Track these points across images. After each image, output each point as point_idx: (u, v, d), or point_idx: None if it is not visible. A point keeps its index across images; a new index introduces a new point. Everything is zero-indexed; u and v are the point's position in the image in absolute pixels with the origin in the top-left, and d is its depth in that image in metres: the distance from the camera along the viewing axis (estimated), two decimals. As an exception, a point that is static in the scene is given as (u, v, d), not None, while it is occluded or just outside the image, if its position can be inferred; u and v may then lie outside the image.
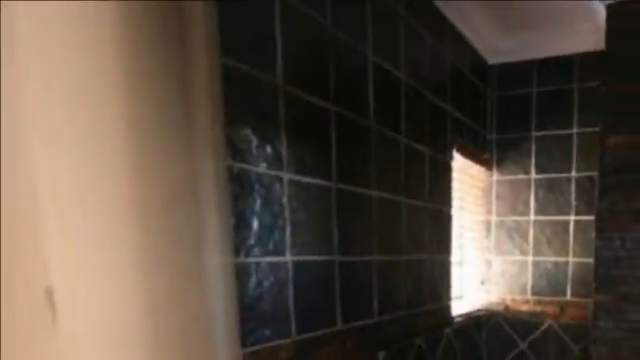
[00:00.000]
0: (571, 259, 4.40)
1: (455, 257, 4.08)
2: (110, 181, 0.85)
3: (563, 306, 4.46)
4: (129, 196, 0.89)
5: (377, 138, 2.83)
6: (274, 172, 2.09)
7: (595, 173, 3.88)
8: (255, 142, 1.99)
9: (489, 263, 4.68)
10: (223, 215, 1.47)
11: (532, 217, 4.50)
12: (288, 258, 2.18)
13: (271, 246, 2.08)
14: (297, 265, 2.23)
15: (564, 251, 4.40)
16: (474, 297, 4.68)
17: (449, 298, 3.93)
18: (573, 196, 4.32)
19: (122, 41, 0.87)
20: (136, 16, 0.91)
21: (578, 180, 4.30)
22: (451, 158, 3.88)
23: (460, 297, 4.41)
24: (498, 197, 4.61)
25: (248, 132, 1.96)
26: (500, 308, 4.68)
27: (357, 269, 2.68)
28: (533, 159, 4.44)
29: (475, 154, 4.34)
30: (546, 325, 4.55)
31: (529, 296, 4.58)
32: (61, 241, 0.75)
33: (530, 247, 4.52)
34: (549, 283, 4.50)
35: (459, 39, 3.95)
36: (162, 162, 1.03)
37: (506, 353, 4.74)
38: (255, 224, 2.00)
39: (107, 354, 0.85)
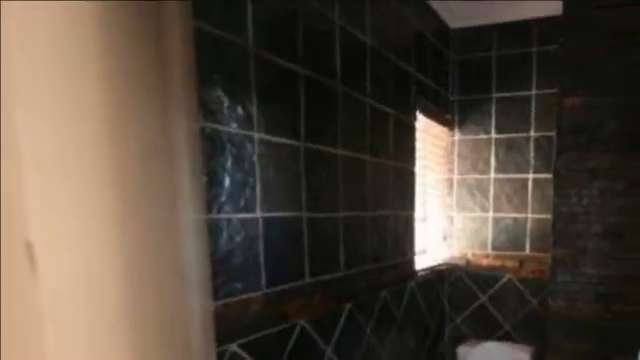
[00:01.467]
0: (530, 215, 4.44)
1: (418, 213, 4.11)
2: (88, 139, 0.85)
3: (522, 260, 4.51)
4: (106, 154, 0.89)
5: (343, 99, 2.83)
6: (245, 132, 2.09)
7: (552, 133, 3.92)
8: (226, 103, 1.99)
9: (451, 219, 4.72)
10: (196, 173, 1.48)
11: (492, 175, 4.53)
12: (258, 215, 2.19)
13: (242, 203, 2.09)
14: (267, 221, 2.24)
15: (523, 208, 4.45)
16: (437, 252, 4.72)
17: (413, 253, 3.96)
18: (532, 155, 4.36)
19: (98, 5, 0.87)
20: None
21: (536, 140, 4.33)
22: (414, 119, 3.89)
23: (423, 252, 4.45)
24: (460, 156, 4.64)
25: (220, 94, 1.96)
26: (462, 262, 4.73)
27: (324, 225, 2.70)
28: (493, 119, 4.47)
29: (438, 115, 4.35)
30: (506, 279, 4.60)
31: (489, 251, 4.63)
32: (41, 195, 0.75)
33: (490, 204, 4.56)
34: (509, 238, 4.54)
35: (422, 4, 3.94)
36: (138, 122, 1.04)
37: (467, 305, 4.80)
38: (227, 182, 2.01)
39: (85, 306, 0.85)
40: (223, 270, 2.01)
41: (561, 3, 3.54)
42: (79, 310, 0.83)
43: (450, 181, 4.70)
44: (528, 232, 4.45)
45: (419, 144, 4.01)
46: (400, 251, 3.69)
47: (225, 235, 2.01)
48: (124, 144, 0.97)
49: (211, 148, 1.94)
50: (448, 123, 4.60)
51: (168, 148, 1.23)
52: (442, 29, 4.38)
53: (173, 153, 1.27)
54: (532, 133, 4.34)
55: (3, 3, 0.75)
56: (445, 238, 4.76)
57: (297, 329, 2.50)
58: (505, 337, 4.66)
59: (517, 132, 4.39)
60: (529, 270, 4.49)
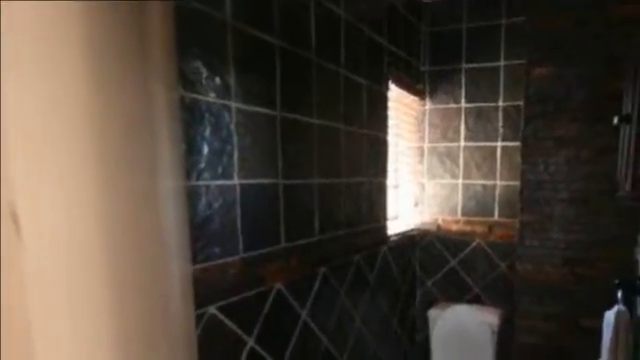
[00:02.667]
0: (498, 182, 4.47)
1: (391, 180, 4.13)
2: (71, 109, 0.85)
3: (491, 226, 4.54)
4: (89, 123, 0.89)
5: (318, 70, 2.84)
6: (223, 101, 2.10)
7: (520, 102, 3.96)
8: (205, 74, 1.99)
9: (422, 186, 4.74)
10: (175, 141, 1.48)
11: (462, 143, 4.55)
12: (236, 181, 2.20)
13: (220, 170, 2.10)
14: (244, 188, 2.25)
15: (492, 175, 4.47)
16: (408, 217, 4.75)
17: (385, 218, 3.98)
18: (500, 124, 4.37)
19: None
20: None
21: (505, 109, 4.34)
22: (387, 89, 3.89)
23: (395, 217, 4.47)
24: (431, 125, 4.65)
25: (199, 65, 1.96)
26: (432, 228, 4.76)
27: (300, 191, 2.71)
28: (463, 89, 4.48)
29: (409, 85, 4.36)
30: (475, 243, 4.64)
31: (459, 216, 4.66)
32: (25, 162, 0.75)
33: (460, 171, 4.59)
34: (478, 204, 4.57)
35: (396, -23, 3.95)
36: (119, 93, 1.04)
37: (438, 269, 4.83)
38: (205, 150, 2.02)
39: (67, 271, 0.85)
40: (202, 235, 2.02)
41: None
42: (61, 275, 0.83)
43: (421, 149, 4.71)
44: (497, 198, 4.48)
45: (391, 113, 4.02)
46: (373, 217, 3.71)
47: (204, 201, 2.02)
48: (106, 113, 0.97)
49: (190, 117, 1.94)
50: (419, 93, 4.60)
51: (148, 117, 1.24)
52: (414, 2, 4.37)
53: (153, 122, 1.27)
54: (501, 103, 4.36)
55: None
56: (416, 204, 4.78)
57: (273, 292, 2.52)
58: (474, 300, 4.71)
59: (486, 102, 4.41)
60: (498, 235, 4.52)
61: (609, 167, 3.39)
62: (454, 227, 4.68)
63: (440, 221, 4.72)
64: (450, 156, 4.60)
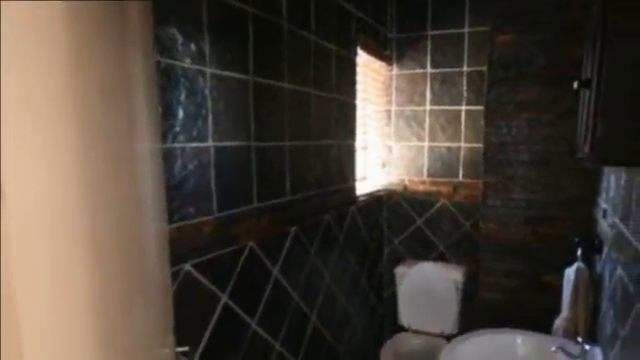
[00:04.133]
0: (463, 144, 4.50)
1: (359, 143, 4.14)
2: (52, 75, 0.85)
3: (455, 186, 4.58)
4: (69, 89, 0.89)
5: (289, 36, 2.84)
6: (197, 67, 2.11)
7: (484, 68, 3.99)
8: (180, 40, 2.00)
9: (389, 148, 4.76)
10: (152, 105, 1.49)
11: (428, 107, 4.57)
12: (210, 144, 2.21)
13: (195, 133, 2.11)
14: (218, 150, 2.27)
15: (456, 137, 4.50)
16: (376, 178, 4.78)
17: (354, 179, 4.01)
18: (464, 88, 4.40)
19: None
20: None
21: (469, 74, 4.37)
22: (355, 54, 3.90)
23: (364, 178, 4.49)
24: (397, 89, 4.66)
25: (174, 31, 1.96)
26: (399, 188, 4.80)
27: (272, 153, 2.73)
28: (429, 55, 4.48)
29: (377, 51, 4.36)
30: (440, 203, 4.68)
31: (425, 177, 4.69)
32: (5, 124, 0.76)
33: (426, 134, 4.61)
34: (443, 166, 4.60)
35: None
36: (99, 58, 1.05)
37: (404, 228, 4.88)
38: (180, 113, 2.03)
39: (49, 231, 0.84)
40: (177, 195, 2.04)
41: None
42: (43, 235, 0.84)
43: (388, 113, 4.73)
44: (461, 160, 4.51)
45: (360, 78, 4.03)
46: (342, 178, 3.74)
47: (179, 163, 2.04)
48: (85, 79, 0.98)
49: (166, 82, 1.95)
50: (387, 59, 4.61)
51: (126, 82, 1.25)
52: (383, -31, 4.37)
53: (131, 87, 1.28)
54: (465, 68, 4.38)
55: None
56: (384, 166, 4.81)
57: (246, 250, 2.55)
58: (440, 258, 4.76)
59: (451, 67, 4.43)
60: (462, 195, 4.56)
61: (568, 130, 3.42)
62: (420, 188, 4.71)
63: (407, 182, 4.75)
64: (416, 119, 4.62)
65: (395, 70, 4.66)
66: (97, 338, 1.01)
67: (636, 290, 1.89)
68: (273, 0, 2.68)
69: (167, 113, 1.97)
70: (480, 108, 4.23)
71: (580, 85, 2.40)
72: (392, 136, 4.75)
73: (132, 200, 1.26)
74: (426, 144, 4.63)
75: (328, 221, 3.52)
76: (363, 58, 4.15)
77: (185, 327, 2.00)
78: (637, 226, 1.96)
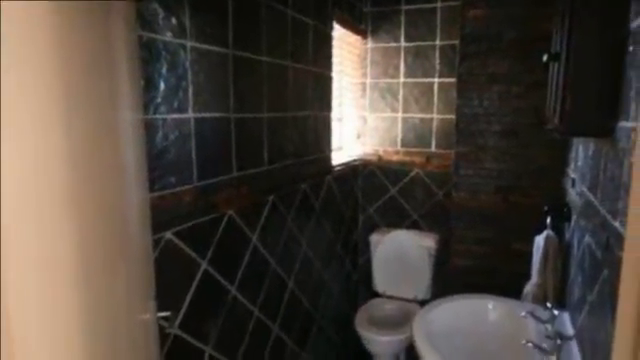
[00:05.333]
0: (435, 116, 4.50)
1: (335, 114, 4.15)
2: (38, 50, 0.86)
3: (428, 156, 4.59)
4: (54, 62, 0.90)
5: (267, 10, 2.83)
6: (178, 40, 2.10)
7: (456, 42, 4.00)
8: (162, 15, 1.98)
9: (364, 119, 4.77)
10: (134, 78, 1.49)
11: (402, 79, 4.57)
12: (190, 115, 2.21)
13: (176, 104, 2.11)
14: (198, 121, 2.27)
15: (429, 109, 4.51)
16: (351, 148, 4.79)
17: (330, 149, 4.02)
18: (437, 61, 4.40)
19: None
20: None
21: (441, 47, 4.37)
22: (332, 28, 3.88)
23: (339, 148, 4.49)
24: (372, 62, 4.66)
25: (156, 6, 1.95)
26: (374, 158, 4.81)
27: (250, 124, 2.73)
28: (403, 29, 4.47)
29: (353, 25, 4.35)
30: (413, 173, 4.70)
31: (399, 148, 4.70)
32: None
33: (400, 105, 4.62)
34: (416, 136, 4.61)
35: None
36: (83, 34, 1.05)
37: (379, 197, 4.90)
38: (162, 86, 2.02)
39: (35, 197, 0.84)
40: (158, 165, 2.04)
41: None
42: (29, 200, 0.84)
43: (363, 85, 4.73)
44: (434, 131, 4.52)
45: (336, 51, 4.02)
46: (318, 148, 3.74)
47: (160, 133, 2.04)
48: (70, 53, 0.98)
49: (148, 55, 1.95)
50: (362, 32, 4.60)
51: (109, 56, 1.25)
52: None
53: (113, 60, 1.28)
54: (437, 42, 4.38)
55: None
56: (359, 136, 4.81)
57: (226, 218, 2.56)
58: (413, 226, 4.79)
59: (424, 41, 4.43)
60: (435, 165, 4.58)
61: (538, 102, 3.45)
62: (394, 158, 4.72)
63: (381, 152, 4.76)
64: (390, 91, 4.63)
65: (370, 43, 4.65)
66: (81, 304, 1.02)
67: (604, 257, 1.92)
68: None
69: (149, 85, 1.97)
70: (452, 80, 4.25)
71: (549, 58, 2.42)
72: (367, 107, 4.75)
73: (115, 169, 1.27)
74: (400, 115, 4.64)
75: (305, 190, 3.53)
76: (339, 32, 4.14)
77: (166, 293, 2.02)
78: (605, 195, 1.98)
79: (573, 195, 2.96)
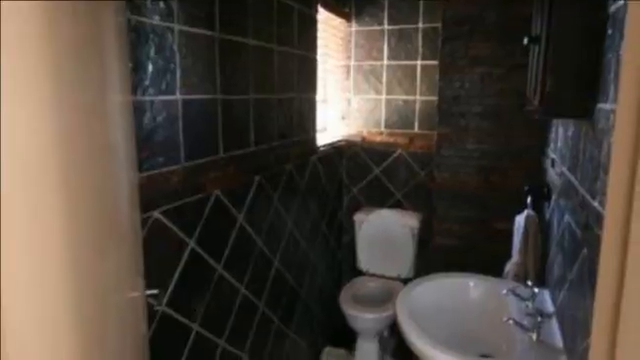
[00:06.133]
0: (418, 97, 4.51)
1: (320, 96, 4.15)
2: (28, 33, 0.85)
3: (411, 137, 4.60)
4: (44, 45, 0.90)
5: (253, -6, 2.84)
6: (166, 24, 2.10)
7: (438, 25, 3.99)
8: (150, -2, 2.00)
9: (349, 101, 4.77)
10: (123, 61, 1.49)
11: (385, 62, 4.57)
12: (178, 97, 2.21)
13: (163, 86, 2.11)
14: (186, 103, 2.27)
15: (412, 90, 4.51)
16: (336, 130, 4.79)
17: (315, 130, 4.02)
18: (420, 44, 4.40)
19: None
20: None
21: (424, 30, 4.37)
22: (316, 12, 3.88)
23: (324, 130, 4.51)
24: (356, 45, 4.65)
25: (144, -11, 1.96)
26: (358, 139, 4.81)
27: (236, 106, 2.73)
28: (386, 12, 4.46)
29: (337, 8, 4.33)
30: (397, 153, 4.70)
31: (382, 129, 4.70)
32: None
33: (383, 87, 4.62)
34: (400, 118, 4.62)
35: None
36: (72, 18, 1.05)
37: (363, 177, 4.90)
38: (150, 68, 2.02)
39: (24, 177, 0.85)
40: (147, 146, 2.04)
41: None
42: (19, 181, 0.85)
43: (348, 67, 4.72)
44: (417, 112, 4.53)
45: (320, 35, 4.01)
46: (304, 129, 3.74)
47: (149, 115, 2.04)
48: (60, 37, 0.97)
49: (136, 38, 1.95)
50: (346, 16, 4.58)
51: (99, 39, 1.25)
52: None
53: (103, 43, 1.28)
54: (420, 25, 4.37)
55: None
56: (343, 118, 4.81)
57: (212, 198, 2.56)
58: (396, 205, 4.80)
59: (407, 24, 4.42)
60: (418, 146, 4.59)
61: (519, 84, 3.46)
62: (378, 139, 4.72)
63: (365, 133, 4.76)
64: (374, 73, 4.63)
65: (354, 26, 4.64)
66: (70, 282, 1.03)
67: (583, 236, 1.93)
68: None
69: (137, 68, 1.97)
70: (435, 63, 4.24)
71: (530, 41, 2.43)
72: (351, 89, 4.75)
73: (104, 150, 1.27)
74: (383, 97, 4.64)
75: (290, 170, 3.53)
76: (323, 15, 4.13)
77: (154, 271, 2.02)
78: (584, 175, 2.00)
79: (553, 175, 2.98)
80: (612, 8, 1.78)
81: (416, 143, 4.59)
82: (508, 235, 3.42)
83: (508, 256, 3.36)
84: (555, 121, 3.10)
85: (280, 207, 3.40)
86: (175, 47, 2.19)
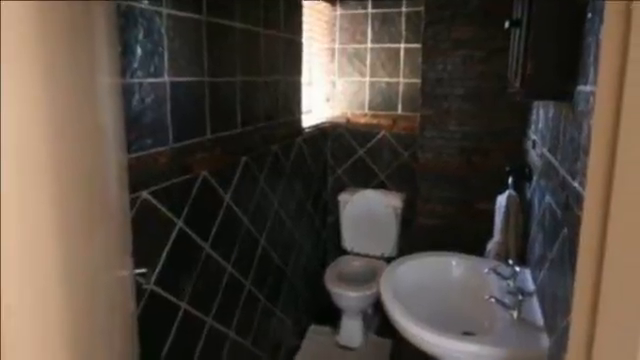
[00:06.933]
0: (401, 80, 4.52)
1: (305, 78, 4.14)
2: (19, 19, 0.85)
3: (395, 119, 4.61)
4: (35, 29, 0.90)
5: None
6: (154, 8, 2.09)
7: (421, 8, 3.98)
8: (138, -19, 1.99)
9: (333, 83, 4.77)
10: (112, 44, 1.49)
11: (369, 45, 4.57)
12: (166, 79, 2.21)
13: (152, 69, 2.10)
14: (173, 85, 2.27)
15: (395, 73, 4.52)
16: (321, 112, 4.81)
17: (300, 112, 4.02)
18: (403, 27, 4.41)
19: None
20: None
21: (407, 14, 4.37)
22: (302, -5, 3.88)
23: (309, 111, 4.52)
24: (341, 28, 4.64)
25: (132, -27, 1.95)
26: (342, 121, 4.82)
27: (223, 88, 2.72)
28: (370, -4, 4.49)
29: (321, -8, 4.35)
30: (381, 135, 4.72)
31: (366, 111, 4.71)
32: None
33: (367, 70, 4.62)
34: (383, 100, 4.63)
35: None
36: (63, 1, 1.05)
37: (347, 158, 4.92)
38: (139, 51, 2.02)
39: (16, 158, 0.85)
40: (135, 128, 2.04)
41: None
42: (11, 162, 0.85)
43: (332, 50, 4.72)
44: (400, 94, 4.54)
45: (305, 19, 4.01)
46: (289, 111, 3.74)
47: (137, 97, 2.03)
48: (50, 21, 0.98)
49: (125, 22, 1.94)
50: (330, 0, 4.59)
51: (89, 23, 1.24)
52: None
53: (92, 27, 1.28)
54: (403, 8, 4.38)
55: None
56: (328, 100, 4.82)
57: (200, 179, 2.56)
58: (380, 185, 4.83)
59: (390, 7, 4.42)
60: (401, 127, 4.60)
61: (500, 66, 3.47)
62: (362, 120, 4.73)
63: (349, 115, 4.77)
64: (358, 56, 4.63)
65: (338, 10, 4.63)
66: (60, 261, 1.03)
67: (563, 216, 1.94)
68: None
69: (126, 51, 1.96)
70: (418, 46, 4.25)
71: (511, 25, 2.43)
72: (335, 72, 4.75)
73: (94, 131, 1.27)
74: (367, 79, 4.65)
75: (276, 151, 3.53)
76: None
77: (143, 251, 2.02)
78: (564, 156, 2.01)
79: (534, 156, 2.99)
80: (592, -8, 1.78)
81: (399, 125, 4.60)
82: (490, 215, 3.44)
83: (490, 235, 3.38)
84: (536, 103, 3.11)
85: (266, 187, 3.40)
86: (163, 30, 2.18)
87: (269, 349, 3.67)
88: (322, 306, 4.67)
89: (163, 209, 2.28)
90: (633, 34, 0.76)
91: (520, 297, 2.39)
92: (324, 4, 4.54)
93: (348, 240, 4.81)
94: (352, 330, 4.35)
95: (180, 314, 2.47)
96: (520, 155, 3.61)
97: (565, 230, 1.90)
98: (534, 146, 3.01)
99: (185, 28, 2.36)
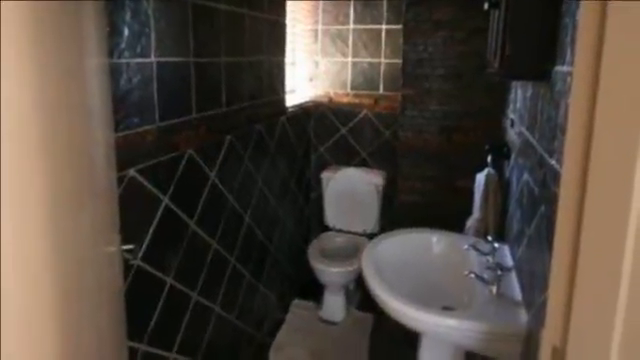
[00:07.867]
0: (383, 60, 4.52)
1: (288, 59, 4.13)
2: (5, 3, 0.86)
3: (377, 98, 4.62)
4: (25, 15, 0.90)
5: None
6: (141, -12, 2.09)
7: (403, -10, 3.98)
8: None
9: (316, 63, 4.76)
10: (100, 26, 1.48)
11: (351, 26, 4.56)
12: (153, 59, 2.20)
13: (139, 49, 2.09)
14: (160, 65, 2.26)
15: (377, 54, 4.52)
16: (304, 91, 4.80)
17: (284, 92, 4.01)
18: (385, 9, 4.39)
19: None
20: None
21: (389, -5, 4.38)
22: (286, -23, 3.86)
23: (292, 91, 4.51)
24: (324, 10, 4.62)
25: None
26: (325, 100, 4.82)
27: (209, 68, 2.71)
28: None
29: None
30: (363, 114, 4.72)
31: (349, 90, 4.71)
32: None
33: (350, 50, 4.62)
34: (365, 80, 4.63)
35: None
36: None
37: (330, 137, 4.92)
38: (126, 32, 2.00)
39: (9, 137, 0.87)
40: (123, 107, 2.03)
41: None
42: (2, 141, 0.85)
43: (315, 31, 4.70)
44: (382, 74, 4.54)
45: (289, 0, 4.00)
46: (273, 90, 3.73)
47: (124, 77, 2.02)
48: (40, 9, 0.98)
49: (112, 4, 1.93)
50: (314, -18, 4.58)
51: (77, 5, 1.24)
52: None
53: (81, 10, 1.27)
54: (385, -10, 4.38)
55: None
56: (311, 79, 4.81)
57: (186, 157, 2.56)
58: (362, 163, 4.84)
59: (373, -11, 4.42)
60: (382, 107, 4.61)
61: (479, 47, 3.47)
62: (344, 100, 4.73)
63: (332, 94, 4.77)
64: (341, 37, 4.62)
65: (322, -8, 4.62)
66: (49, 237, 1.04)
67: (541, 193, 1.96)
68: None
69: (113, 32, 1.95)
70: (399, 27, 4.25)
71: (490, 6, 2.44)
72: (319, 52, 4.74)
73: (82, 110, 1.28)
74: (349, 60, 4.65)
75: (260, 130, 3.53)
76: (293, -20, 4.10)
77: (130, 227, 2.02)
78: (542, 134, 2.02)
79: (512, 135, 3.01)
80: (569, -25, 1.79)
81: (381, 104, 4.61)
82: (469, 192, 3.46)
83: (469, 213, 3.40)
84: (514, 83, 3.13)
85: (250, 165, 3.40)
86: (150, 12, 2.17)
87: (254, 323, 3.69)
88: (305, 281, 4.69)
89: (150, 186, 2.27)
90: (609, 14, 0.77)
91: (499, 272, 2.41)
92: (307, -14, 4.51)
93: (331, 217, 4.82)
94: (334, 305, 4.38)
95: (166, 289, 2.47)
96: (499, 134, 3.63)
97: (542, 207, 1.92)
98: (512, 125, 3.03)
99: (171, 9, 2.35)
